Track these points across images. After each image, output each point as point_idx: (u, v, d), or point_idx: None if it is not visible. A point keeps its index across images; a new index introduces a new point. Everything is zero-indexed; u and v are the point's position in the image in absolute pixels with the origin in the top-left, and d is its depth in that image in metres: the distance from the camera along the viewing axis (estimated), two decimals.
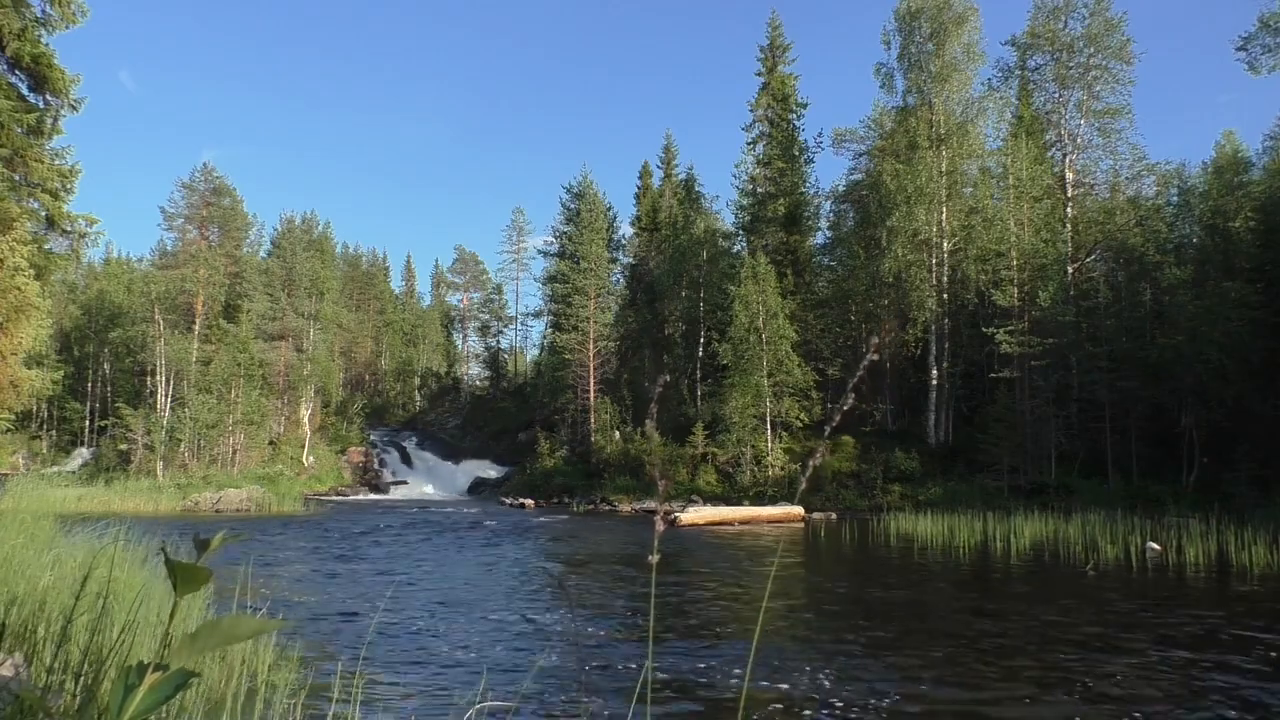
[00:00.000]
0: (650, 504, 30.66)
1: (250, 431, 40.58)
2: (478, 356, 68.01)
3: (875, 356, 32.75)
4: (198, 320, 43.55)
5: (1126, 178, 32.51)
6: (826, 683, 6.20)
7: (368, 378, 70.08)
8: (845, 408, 32.47)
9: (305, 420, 45.78)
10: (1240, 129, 79.97)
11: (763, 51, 40.51)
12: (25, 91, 16.68)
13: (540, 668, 6.66)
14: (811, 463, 30.51)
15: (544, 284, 51.30)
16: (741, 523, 23.61)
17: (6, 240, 15.47)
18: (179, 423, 39.35)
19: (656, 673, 6.45)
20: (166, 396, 41.24)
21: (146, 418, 40.33)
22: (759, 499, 28.65)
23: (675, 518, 22.68)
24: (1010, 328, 27.55)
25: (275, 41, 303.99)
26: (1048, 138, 33.38)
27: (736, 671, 6.52)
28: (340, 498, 39.34)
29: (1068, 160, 32.71)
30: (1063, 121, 33.08)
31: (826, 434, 31.74)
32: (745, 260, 34.15)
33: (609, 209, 48.42)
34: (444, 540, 18.13)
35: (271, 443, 42.70)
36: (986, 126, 32.67)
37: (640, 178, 49.52)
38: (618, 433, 38.98)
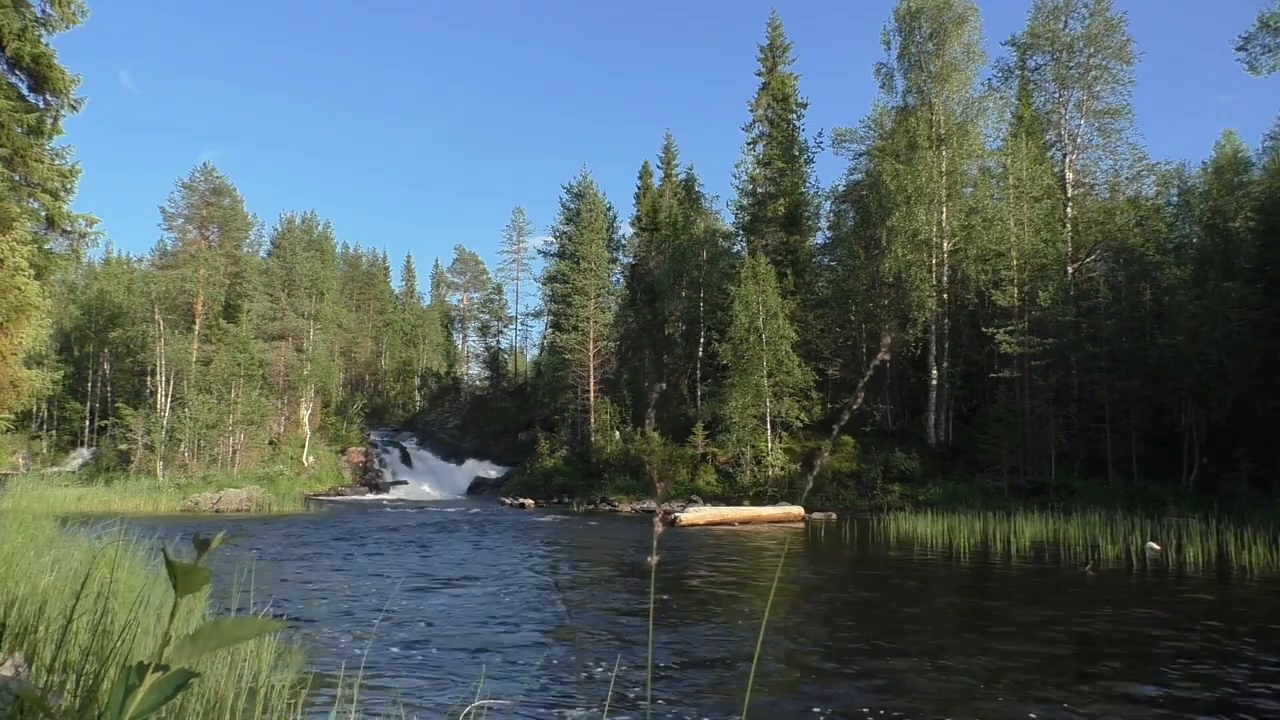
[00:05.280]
0: (650, 504, 30.65)
1: (250, 431, 40.60)
2: (478, 356, 68.10)
3: (886, 357, 32.80)
4: (198, 320, 43.58)
5: (1126, 178, 32.59)
6: (829, 685, 6.20)
7: (368, 378, 70.08)
8: (854, 408, 32.48)
9: (305, 420, 45.79)
10: (1240, 129, 79.95)
11: (763, 52, 40.55)
12: (25, 91, 16.70)
13: (538, 669, 6.66)
14: (818, 463, 30.50)
15: (544, 284, 51.42)
16: (741, 523, 23.59)
17: (6, 240, 15.47)
18: (179, 423, 39.37)
19: (656, 673, 6.45)
20: (166, 396, 41.25)
21: (146, 418, 40.36)
22: (759, 499, 28.64)
23: (675, 518, 22.66)
24: (1010, 328, 27.56)
25: (275, 41, 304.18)
26: (1048, 138, 33.41)
27: (741, 669, 6.52)
28: (340, 498, 39.31)
29: (1068, 160, 32.73)
30: (1063, 121, 33.10)
31: (834, 434, 31.73)
32: (745, 260, 34.15)
33: (609, 209, 48.48)
34: (443, 540, 18.13)
35: (271, 443, 42.72)
36: (986, 126, 32.73)
37: (640, 178, 49.53)
38: (618, 433, 38.98)
